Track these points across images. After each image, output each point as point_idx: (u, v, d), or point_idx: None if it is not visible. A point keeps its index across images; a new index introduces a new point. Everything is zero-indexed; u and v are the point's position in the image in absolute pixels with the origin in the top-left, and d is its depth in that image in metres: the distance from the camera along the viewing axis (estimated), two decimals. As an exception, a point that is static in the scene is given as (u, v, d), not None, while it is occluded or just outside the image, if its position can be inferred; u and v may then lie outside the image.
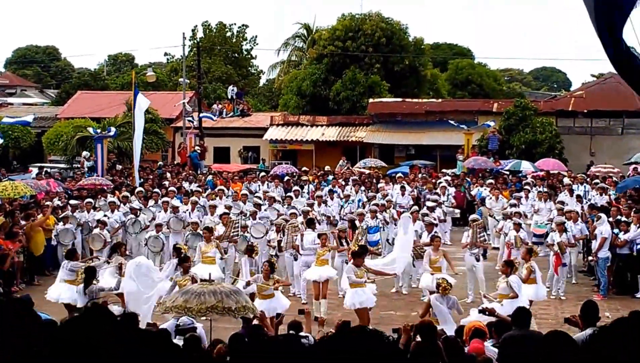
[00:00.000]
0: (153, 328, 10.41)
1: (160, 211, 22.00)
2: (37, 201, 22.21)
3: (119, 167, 31.26)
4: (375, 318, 16.16)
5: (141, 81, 38.50)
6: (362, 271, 14.63)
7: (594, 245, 18.77)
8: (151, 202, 23.09)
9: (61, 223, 20.49)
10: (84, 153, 31.50)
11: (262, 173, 29.54)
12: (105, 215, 21.43)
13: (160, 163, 34.99)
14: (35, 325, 2.23)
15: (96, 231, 20.30)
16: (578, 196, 23.74)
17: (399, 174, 28.51)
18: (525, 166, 30.23)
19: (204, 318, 11.19)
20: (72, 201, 22.30)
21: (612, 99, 35.65)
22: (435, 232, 18.45)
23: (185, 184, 27.38)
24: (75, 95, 48.33)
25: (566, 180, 26.14)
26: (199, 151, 34.51)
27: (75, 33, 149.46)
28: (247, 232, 19.64)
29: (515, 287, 13.85)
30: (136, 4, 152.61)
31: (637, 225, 18.52)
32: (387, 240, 21.19)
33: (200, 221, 20.68)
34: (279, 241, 18.53)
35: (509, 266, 14.33)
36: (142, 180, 27.32)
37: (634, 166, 28.59)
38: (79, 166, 32.47)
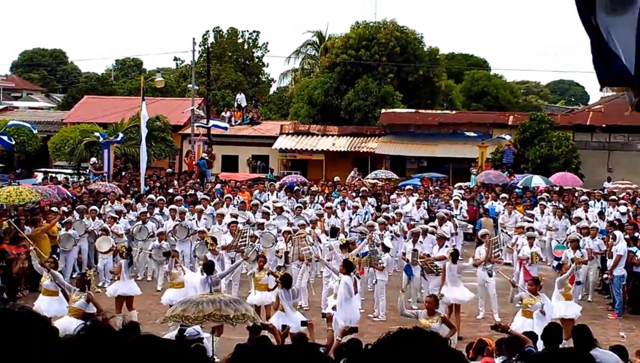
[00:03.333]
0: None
1: (167, 219, 21.88)
2: (42, 207, 21.93)
3: (124, 173, 30.94)
4: (384, 333, 15.78)
5: (149, 86, 38.09)
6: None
7: (609, 262, 18.47)
8: (157, 209, 22.77)
9: (64, 229, 20.20)
10: (92, 160, 31.13)
11: (272, 183, 29.17)
12: (113, 217, 21.26)
13: (170, 170, 34.66)
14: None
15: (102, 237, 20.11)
16: (600, 213, 23.42)
17: (409, 187, 28.10)
18: (537, 181, 29.68)
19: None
20: (78, 207, 21.99)
21: (630, 114, 35.08)
22: (447, 246, 18.16)
23: (195, 193, 27.01)
24: (81, 100, 47.88)
25: (583, 197, 25.65)
26: (207, 159, 34.08)
27: (83, 37, 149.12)
28: (257, 242, 19.38)
29: (547, 307, 13.44)
30: (145, 8, 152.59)
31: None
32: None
33: (208, 230, 20.49)
34: (286, 252, 18.24)
35: (537, 284, 13.87)
36: (148, 187, 27.03)
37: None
38: (86, 172, 32.19)
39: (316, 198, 26.07)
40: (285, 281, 13.93)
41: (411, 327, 2.56)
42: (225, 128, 38.18)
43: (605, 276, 19.08)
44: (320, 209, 23.66)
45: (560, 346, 10.91)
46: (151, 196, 24.18)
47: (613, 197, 25.77)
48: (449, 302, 15.60)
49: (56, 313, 14.45)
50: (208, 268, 14.85)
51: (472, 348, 9.57)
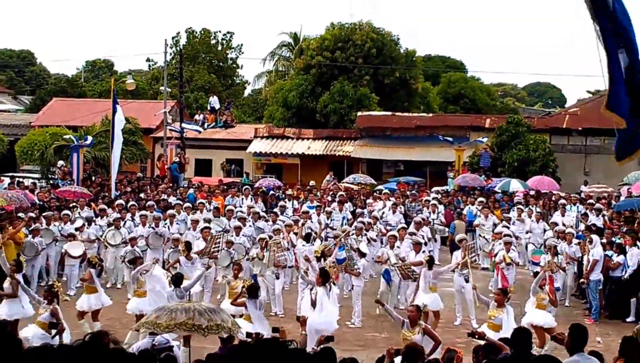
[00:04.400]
0: None
1: (138, 225, 21.59)
2: (9, 212, 21.35)
3: (93, 178, 30.33)
4: (360, 340, 15.95)
5: (120, 88, 37.35)
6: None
7: (585, 267, 18.49)
8: (128, 215, 22.40)
9: (31, 236, 19.71)
10: (60, 163, 30.54)
11: (246, 187, 28.74)
12: (82, 225, 20.89)
13: (139, 174, 33.99)
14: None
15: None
16: (584, 215, 23.51)
17: (385, 191, 27.81)
18: (515, 185, 29.54)
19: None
20: (45, 214, 21.48)
21: (607, 117, 35.01)
22: (424, 252, 18.06)
23: (168, 198, 26.59)
24: (50, 102, 46.78)
25: (562, 201, 25.54)
26: (177, 163, 33.47)
27: (52, 37, 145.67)
28: (232, 249, 19.19)
29: (510, 318, 13.23)
30: (117, 8, 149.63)
31: (631, 247, 18.37)
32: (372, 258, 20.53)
33: (181, 235, 20.25)
34: (261, 247, 18.24)
35: (504, 295, 13.56)
36: (118, 193, 26.54)
37: (627, 187, 27.94)
38: (54, 176, 31.55)
39: (289, 203, 25.70)
40: (251, 292, 13.83)
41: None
42: (199, 131, 37.72)
43: (581, 280, 19.06)
44: (292, 216, 23.30)
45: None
46: (121, 201, 23.75)
47: (590, 201, 25.69)
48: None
49: (17, 316, 14.34)
50: (176, 280, 14.73)
51: (442, 358, 9.44)
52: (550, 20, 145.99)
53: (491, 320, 13.41)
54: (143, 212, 22.16)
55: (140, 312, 14.56)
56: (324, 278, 14.56)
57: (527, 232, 23.42)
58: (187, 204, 24.31)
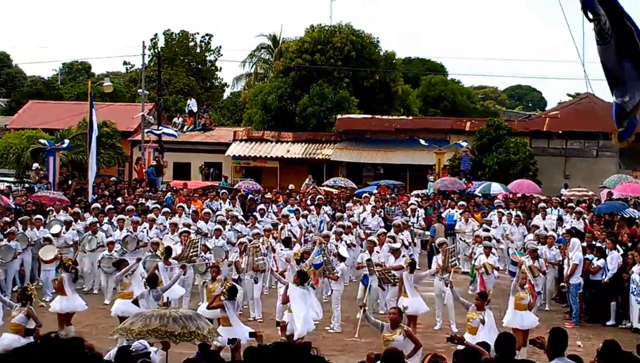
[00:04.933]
0: None
1: (115, 230, 21.37)
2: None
3: (70, 182, 30.00)
4: (340, 345, 15.93)
5: (97, 91, 36.94)
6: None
7: (566, 270, 18.38)
8: (105, 219, 22.14)
9: (5, 240, 19.40)
10: (34, 165, 30.19)
11: (224, 191, 28.51)
12: (60, 231, 20.58)
13: (113, 178, 33.57)
14: None
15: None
16: (560, 219, 23.41)
17: (365, 195, 27.67)
18: (496, 188, 29.52)
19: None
20: (21, 218, 21.17)
21: (587, 120, 35.18)
22: (403, 256, 17.94)
23: (146, 202, 26.36)
24: (26, 104, 46.62)
25: (542, 204, 25.52)
26: (154, 166, 33.07)
27: (28, 39, 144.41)
28: (209, 253, 18.99)
29: (489, 323, 13.07)
30: (94, 10, 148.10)
31: (611, 251, 18.27)
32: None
33: (160, 239, 19.93)
34: (237, 262, 17.97)
35: (484, 299, 13.44)
36: (95, 196, 26.28)
37: (607, 190, 27.97)
38: (29, 180, 31.18)
39: (268, 207, 25.52)
40: (231, 293, 13.69)
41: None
42: (175, 136, 37.40)
43: (562, 284, 19.04)
44: (273, 220, 23.16)
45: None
46: (97, 204, 23.50)
47: (570, 204, 25.68)
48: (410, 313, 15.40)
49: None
50: (151, 281, 14.56)
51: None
52: (531, 22, 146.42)
53: (469, 323, 13.34)
54: (121, 216, 22.03)
55: (123, 314, 14.39)
56: (302, 278, 14.52)
57: (506, 237, 23.32)
58: (166, 208, 24.07)
